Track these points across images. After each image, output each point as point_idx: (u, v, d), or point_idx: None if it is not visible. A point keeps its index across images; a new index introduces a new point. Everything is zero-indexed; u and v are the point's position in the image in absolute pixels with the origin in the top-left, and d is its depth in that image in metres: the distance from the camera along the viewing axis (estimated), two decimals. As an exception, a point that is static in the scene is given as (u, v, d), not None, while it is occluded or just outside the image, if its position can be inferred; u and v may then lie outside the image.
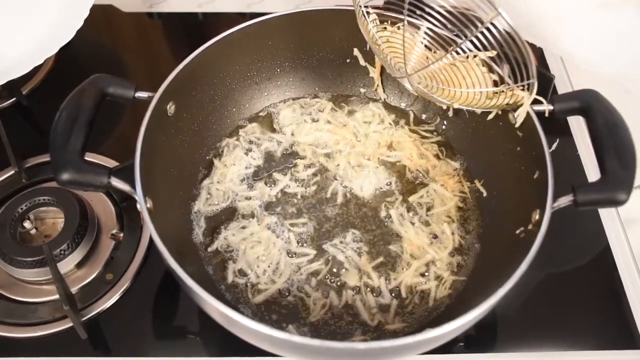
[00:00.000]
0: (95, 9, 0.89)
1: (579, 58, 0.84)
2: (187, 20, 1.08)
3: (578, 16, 0.86)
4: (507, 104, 0.67)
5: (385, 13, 0.75)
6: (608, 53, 0.83)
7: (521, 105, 0.66)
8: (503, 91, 0.67)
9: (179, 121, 0.74)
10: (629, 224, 0.80)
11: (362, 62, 0.84)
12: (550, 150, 0.64)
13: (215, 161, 0.80)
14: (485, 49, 0.63)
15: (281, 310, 0.68)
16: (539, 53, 1.00)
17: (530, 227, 0.63)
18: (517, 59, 0.62)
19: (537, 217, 0.62)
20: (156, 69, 1.01)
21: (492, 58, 0.67)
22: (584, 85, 0.68)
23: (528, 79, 0.63)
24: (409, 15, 0.69)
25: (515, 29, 0.58)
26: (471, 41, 0.64)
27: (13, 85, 0.88)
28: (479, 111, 0.71)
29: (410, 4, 0.68)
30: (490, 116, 0.72)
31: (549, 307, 0.73)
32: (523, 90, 0.65)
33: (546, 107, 0.66)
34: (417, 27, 0.72)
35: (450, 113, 0.82)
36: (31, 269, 0.70)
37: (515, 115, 0.68)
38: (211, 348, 0.68)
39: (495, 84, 0.69)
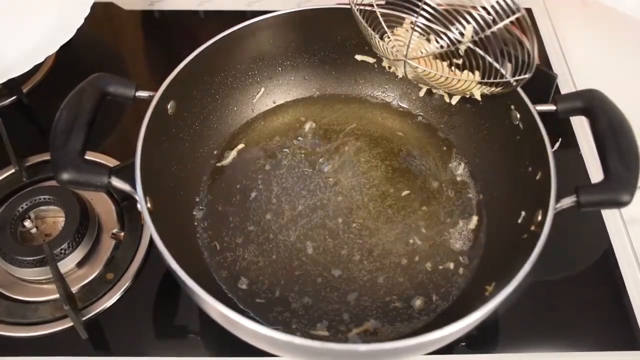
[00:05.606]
0: (96, 6, 0.89)
1: None
2: (188, 18, 1.08)
3: None
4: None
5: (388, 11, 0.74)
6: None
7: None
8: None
9: (179, 120, 0.73)
10: (631, 224, 0.79)
11: (370, 60, 0.84)
12: (552, 150, 0.64)
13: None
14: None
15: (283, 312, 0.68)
16: (541, 53, 0.99)
17: (532, 228, 0.62)
18: (518, 57, 0.63)
19: (539, 218, 0.61)
20: (157, 68, 1.01)
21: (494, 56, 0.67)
22: (588, 85, 0.68)
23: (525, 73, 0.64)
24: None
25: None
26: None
27: (13, 84, 0.88)
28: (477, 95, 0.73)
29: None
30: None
31: (551, 307, 0.72)
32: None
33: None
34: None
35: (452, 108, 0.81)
36: (31, 268, 0.70)
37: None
38: (212, 348, 0.68)
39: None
